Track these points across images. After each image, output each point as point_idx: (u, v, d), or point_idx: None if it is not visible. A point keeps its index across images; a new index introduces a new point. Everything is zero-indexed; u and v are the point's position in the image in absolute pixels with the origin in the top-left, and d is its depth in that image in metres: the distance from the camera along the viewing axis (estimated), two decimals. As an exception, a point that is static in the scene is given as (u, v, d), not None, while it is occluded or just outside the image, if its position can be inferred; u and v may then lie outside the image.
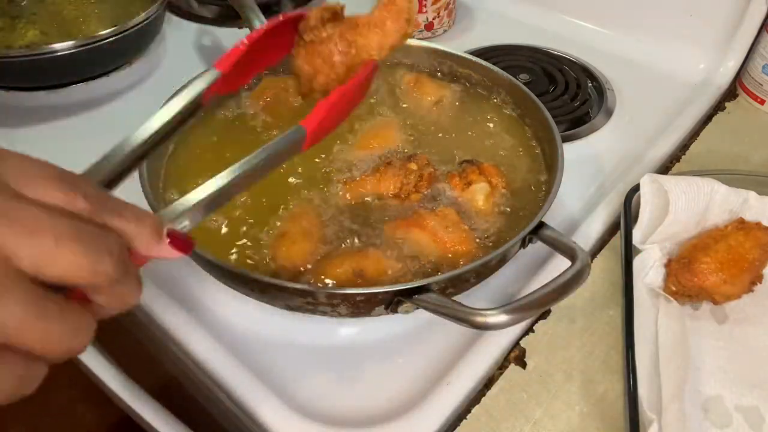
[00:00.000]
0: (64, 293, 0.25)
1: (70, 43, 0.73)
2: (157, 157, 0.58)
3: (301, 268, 0.52)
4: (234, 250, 0.54)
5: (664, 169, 0.68)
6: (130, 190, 0.52)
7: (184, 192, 0.58)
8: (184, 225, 0.31)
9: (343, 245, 0.54)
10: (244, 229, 0.55)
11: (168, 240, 0.28)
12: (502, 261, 0.54)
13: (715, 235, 0.54)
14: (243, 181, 0.34)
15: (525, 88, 0.66)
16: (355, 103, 0.43)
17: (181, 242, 0.29)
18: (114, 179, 0.33)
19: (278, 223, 0.55)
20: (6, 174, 0.23)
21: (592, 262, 0.54)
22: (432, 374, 0.50)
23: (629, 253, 0.54)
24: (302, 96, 0.45)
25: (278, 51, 0.45)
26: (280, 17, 0.42)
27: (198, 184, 0.33)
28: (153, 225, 0.27)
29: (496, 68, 0.69)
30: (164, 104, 0.37)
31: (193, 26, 0.92)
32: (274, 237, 0.54)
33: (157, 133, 0.36)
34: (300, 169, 0.60)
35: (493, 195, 0.58)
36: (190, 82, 0.39)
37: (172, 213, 0.31)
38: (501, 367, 0.50)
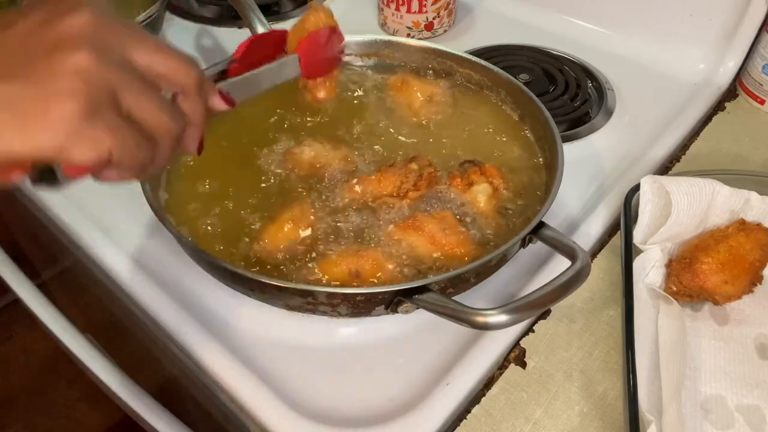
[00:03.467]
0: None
1: (70, 43, 0.73)
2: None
3: (283, 255, 0.53)
4: (235, 248, 0.54)
5: (664, 169, 0.68)
6: (132, 192, 0.53)
7: (185, 194, 0.58)
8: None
9: (341, 245, 0.54)
10: (247, 229, 0.55)
11: (219, 94, 0.40)
12: (502, 261, 0.54)
13: (716, 235, 0.54)
14: (251, 80, 0.50)
15: (525, 88, 0.66)
16: (333, 45, 0.60)
17: (229, 99, 0.41)
18: None
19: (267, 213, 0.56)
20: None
21: (592, 262, 0.54)
22: (432, 374, 0.49)
23: (629, 253, 0.54)
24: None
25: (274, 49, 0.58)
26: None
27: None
28: (210, 83, 0.40)
29: (496, 68, 0.69)
30: None
31: (193, 26, 0.92)
32: (265, 222, 0.55)
33: None
34: (303, 172, 0.61)
35: (495, 196, 0.58)
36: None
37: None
38: (501, 367, 0.50)
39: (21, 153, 0.30)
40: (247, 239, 0.54)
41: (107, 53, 0.32)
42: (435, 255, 0.53)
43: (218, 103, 0.40)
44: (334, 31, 0.60)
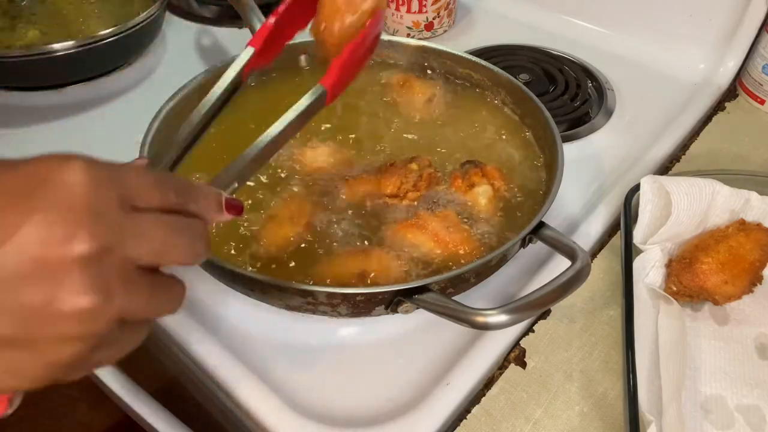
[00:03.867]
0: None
1: (70, 43, 0.73)
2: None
3: (284, 255, 0.53)
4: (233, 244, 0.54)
5: (664, 169, 0.68)
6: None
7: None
8: (233, 188, 0.38)
9: (342, 245, 0.54)
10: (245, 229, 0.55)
11: (225, 208, 0.35)
12: (502, 261, 0.54)
13: (716, 235, 0.54)
14: (277, 140, 0.41)
15: (525, 88, 0.66)
16: (367, 54, 0.48)
17: (235, 208, 0.36)
18: (176, 160, 0.41)
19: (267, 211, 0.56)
20: (129, 191, 0.29)
21: (592, 262, 0.54)
22: (432, 374, 0.49)
23: (629, 253, 0.54)
24: (320, 60, 0.48)
25: (303, 17, 0.49)
26: None
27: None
28: (217, 200, 0.35)
29: (496, 68, 0.69)
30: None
31: (193, 26, 0.92)
32: (264, 220, 0.55)
33: (208, 112, 0.43)
34: (304, 171, 0.61)
35: (496, 198, 0.58)
36: (229, 64, 0.45)
37: (225, 179, 0.38)
38: (501, 367, 0.50)
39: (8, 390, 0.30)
40: (246, 238, 0.54)
41: (111, 284, 0.27)
42: (438, 253, 0.53)
43: (225, 218, 0.35)
44: (381, 18, 0.46)
